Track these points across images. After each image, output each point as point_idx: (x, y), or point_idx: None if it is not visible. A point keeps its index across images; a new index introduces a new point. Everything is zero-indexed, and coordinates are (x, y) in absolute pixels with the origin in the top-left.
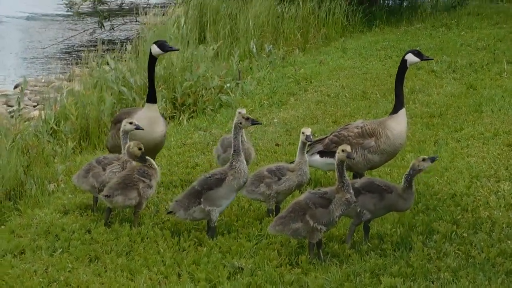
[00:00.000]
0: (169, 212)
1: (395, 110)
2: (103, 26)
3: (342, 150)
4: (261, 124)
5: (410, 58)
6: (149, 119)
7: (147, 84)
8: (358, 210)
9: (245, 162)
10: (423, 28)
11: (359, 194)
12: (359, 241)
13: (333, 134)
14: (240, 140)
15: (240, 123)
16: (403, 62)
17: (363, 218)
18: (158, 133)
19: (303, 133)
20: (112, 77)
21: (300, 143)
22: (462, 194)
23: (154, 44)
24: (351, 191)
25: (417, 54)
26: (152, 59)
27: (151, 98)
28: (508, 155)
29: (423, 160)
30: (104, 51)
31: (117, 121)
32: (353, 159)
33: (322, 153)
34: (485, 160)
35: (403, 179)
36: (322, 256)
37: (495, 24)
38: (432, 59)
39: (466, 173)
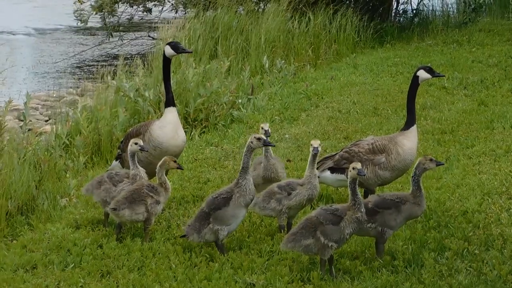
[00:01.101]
0: (183, 236)
1: (407, 127)
2: (112, 35)
3: (353, 168)
4: (274, 146)
5: (422, 74)
6: (173, 125)
7: (161, 97)
8: (380, 229)
9: (251, 180)
10: (434, 44)
11: (376, 213)
12: (370, 257)
13: (343, 150)
14: (251, 158)
15: (252, 142)
16: (415, 78)
17: (386, 236)
18: (181, 138)
19: (311, 145)
20: (129, 87)
21: (310, 156)
22: (474, 211)
23: (167, 45)
24: (363, 209)
25: (429, 70)
26: (167, 61)
27: (171, 101)
28: None
29: (430, 160)
30: (115, 66)
31: (136, 135)
32: (364, 175)
33: (332, 170)
34: (497, 177)
35: (411, 182)
36: (334, 273)
37: (507, 40)
38: (444, 76)
39: (477, 189)
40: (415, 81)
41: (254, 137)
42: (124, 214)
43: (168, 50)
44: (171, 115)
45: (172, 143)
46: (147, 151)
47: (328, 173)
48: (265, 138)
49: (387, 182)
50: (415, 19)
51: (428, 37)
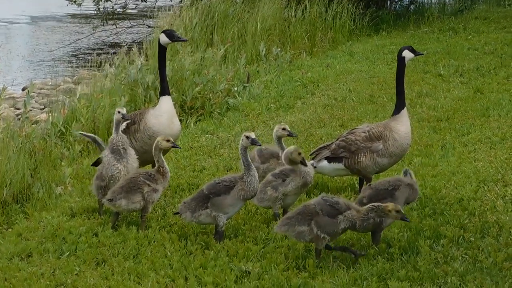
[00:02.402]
0: (176, 213)
1: (397, 110)
2: (107, 21)
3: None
4: (260, 145)
5: (407, 54)
6: (168, 113)
7: (157, 85)
8: (378, 221)
9: (256, 177)
10: (430, 32)
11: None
12: (366, 245)
13: (339, 139)
14: (247, 155)
15: (242, 140)
16: (401, 59)
17: (384, 225)
18: (177, 127)
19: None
20: (134, 70)
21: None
22: (469, 199)
23: (162, 33)
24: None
25: (412, 50)
26: (162, 49)
27: (166, 90)
28: None
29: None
30: (111, 54)
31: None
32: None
33: (329, 159)
34: (492, 165)
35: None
36: (357, 252)
37: (503, 28)
38: (423, 54)
39: (473, 177)
40: (401, 62)
41: (244, 135)
42: (120, 204)
43: (163, 38)
44: (166, 104)
45: (167, 132)
46: (129, 120)
47: (325, 162)
48: (253, 137)
49: (384, 169)
50: (411, 7)
51: (424, 25)
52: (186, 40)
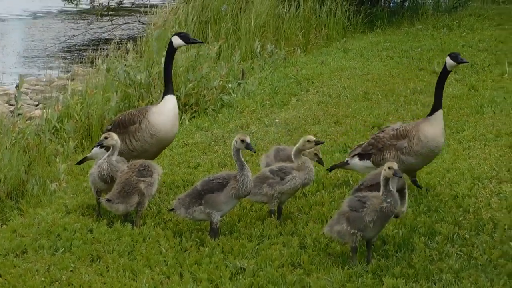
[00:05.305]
0: (171, 210)
1: (431, 112)
2: (101, 16)
3: (389, 168)
4: (254, 151)
5: (448, 61)
6: (173, 112)
7: (151, 82)
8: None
9: (249, 176)
10: (424, 29)
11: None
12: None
13: (371, 137)
14: (240, 156)
15: (236, 142)
16: (444, 65)
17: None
18: (177, 127)
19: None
20: (121, 70)
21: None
22: (464, 196)
23: (176, 36)
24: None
25: (454, 57)
26: (172, 51)
27: (171, 90)
28: (510, 157)
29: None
30: (106, 50)
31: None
32: (401, 177)
33: (360, 156)
34: (487, 162)
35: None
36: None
37: (497, 25)
38: (468, 62)
39: (468, 174)
40: (444, 67)
41: (239, 137)
42: (118, 209)
43: (177, 41)
44: (171, 103)
45: (169, 131)
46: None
47: (356, 159)
48: (248, 141)
49: (413, 169)
50: (405, 4)
51: (418, 22)
52: (203, 43)
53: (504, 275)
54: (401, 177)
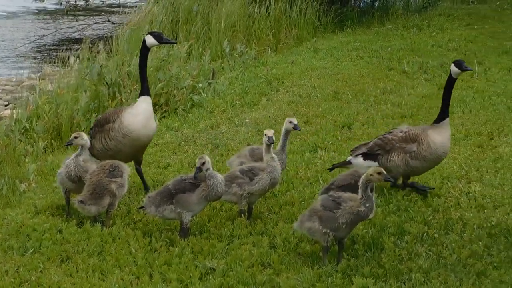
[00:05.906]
0: (141, 208)
1: (438, 120)
2: (68, 14)
3: (378, 173)
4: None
5: (452, 69)
6: (146, 114)
7: (120, 82)
8: None
9: (219, 179)
10: (394, 28)
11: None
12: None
13: (378, 137)
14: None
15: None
16: (450, 74)
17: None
18: (152, 128)
19: (265, 135)
20: (94, 69)
21: (264, 145)
22: (433, 195)
23: (149, 35)
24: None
25: (458, 64)
26: (145, 50)
27: (146, 91)
28: (479, 156)
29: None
30: (77, 50)
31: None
32: (390, 181)
33: (365, 156)
34: (456, 161)
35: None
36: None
37: (466, 25)
38: (471, 70)
39: (437, 174)
40: (449, 76)
41: (200, 158)
42: (90, 210)
43: (150, 40)
44: (145, 104)
45: (142, 132)
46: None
47: (360, 159)
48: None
49: (416, 173)
50: (376, 4)
51: (388, 22)
52: (176, 43)
53: (473, 275)
54: (390, 181)
